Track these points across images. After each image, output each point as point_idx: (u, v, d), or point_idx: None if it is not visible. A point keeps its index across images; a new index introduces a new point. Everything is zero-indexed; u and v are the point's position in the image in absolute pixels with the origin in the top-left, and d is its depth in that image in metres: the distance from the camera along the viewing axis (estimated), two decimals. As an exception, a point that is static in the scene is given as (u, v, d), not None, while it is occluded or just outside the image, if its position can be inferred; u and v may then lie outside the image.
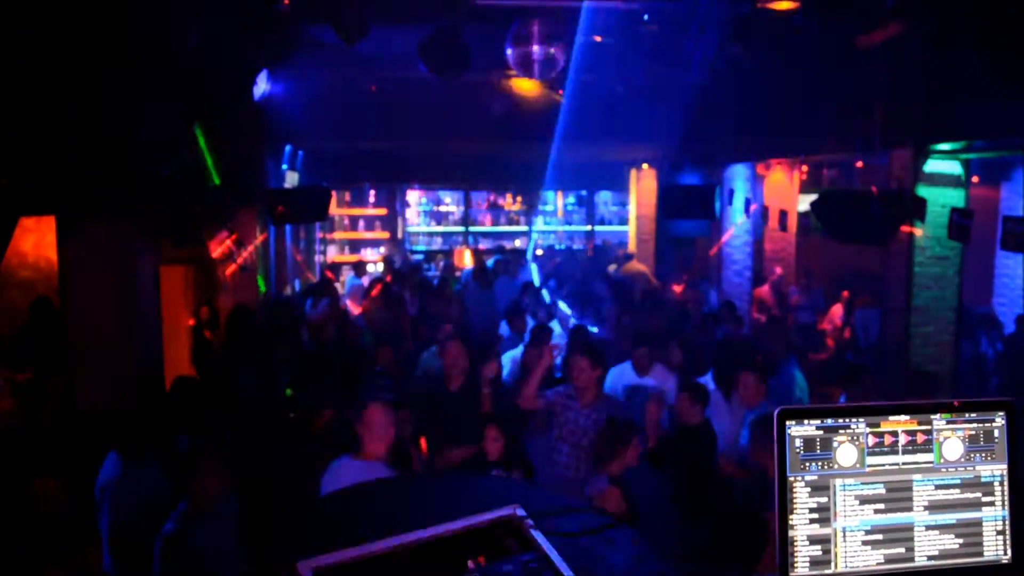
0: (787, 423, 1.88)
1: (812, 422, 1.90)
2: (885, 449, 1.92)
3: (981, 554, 1.95)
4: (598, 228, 16.95)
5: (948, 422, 1.95)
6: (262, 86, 8.55)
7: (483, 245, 16.19)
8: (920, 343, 8.56)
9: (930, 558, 1.93)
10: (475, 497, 1.58)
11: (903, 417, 1.94)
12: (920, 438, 1.94)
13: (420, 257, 15.77)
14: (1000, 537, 1.96)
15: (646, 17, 7.06)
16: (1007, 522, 1.96)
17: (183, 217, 6.80)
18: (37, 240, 7.59)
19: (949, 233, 8.03)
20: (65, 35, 5.56)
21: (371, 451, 4.26)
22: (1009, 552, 1.96)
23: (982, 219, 8.70)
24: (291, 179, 12.14)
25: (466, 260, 14.58)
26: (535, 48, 7.14)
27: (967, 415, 1.96)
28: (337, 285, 12.47)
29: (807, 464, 1.89)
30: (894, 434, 1.93)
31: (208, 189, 7.50)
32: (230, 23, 6.57)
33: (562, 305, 10.41)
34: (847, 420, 1.91)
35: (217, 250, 9.10)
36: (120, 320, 6.35)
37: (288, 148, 11.80)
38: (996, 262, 10.71)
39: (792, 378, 6.82)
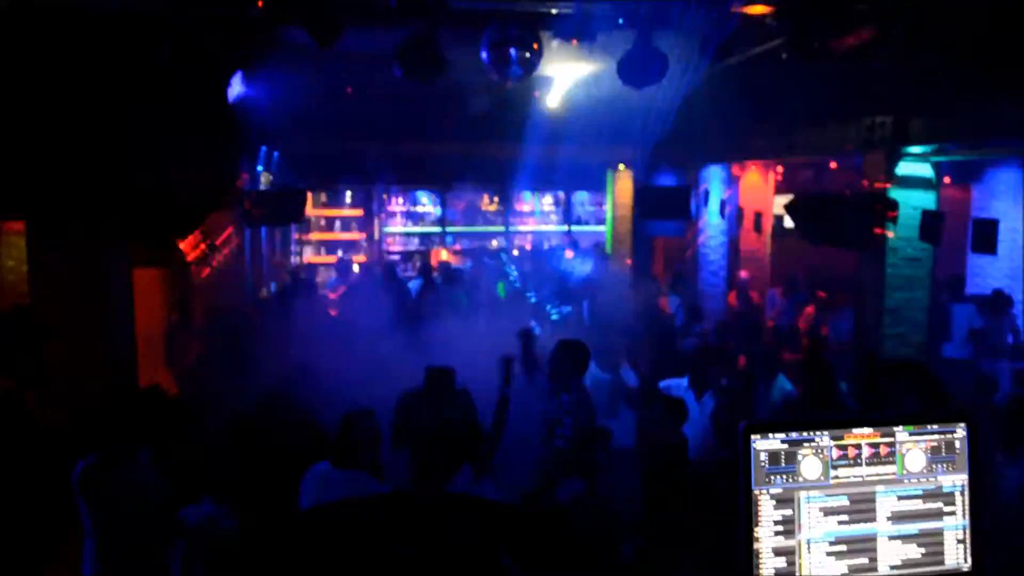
0: (752, 437, 1.91)
1: (777, 436, 1.92)
2: (849, 461, 1.96)
3: (942, 563, 1.99)
4: (575, 228, 16.97)
5: (911, 434, 1.99)
6: (236, 88, 8.50)
7: (459, 245, 16.19)
8: (895, 344, 8.66)
9: (893, 567, 1.97)
10: (447, 516, 1.59)
11: (867, 430, 1.97)
12: (883, 450, 1.97)
13: (396, 258, 15.75)
14: (961, 546, 2.00)
15: (620, 21, 7.07)
16: (967, 531, 2.00)
17: (156, 220, 6.74)
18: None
19: (920, 235, 8.14)
20: (37, 42, 5.51)
21: (352, 460, 4.26)
22: (969, 560, 2.00)
23: (953, 220, 8.82)
24: (266, 180, 12.07)
25: (443, 259, 14.71)
26: (511, 52, 7.14)
27: (929, 427, 1.99)
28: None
29: (772, 477, 1.92)
30: (858, 447, 1.96)
31: (181, 191, 7.44)
32: (203, 25, 6.53)
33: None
34: (811, 434, 1.94)
35: (191, 253, 9.03)
36: (92, 325, 6.29)
37: (263, 149, 11.73)
38: (968, 261, 10.83)
39: (781, 389, 6.76)
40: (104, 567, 4.43)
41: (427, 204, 16.37)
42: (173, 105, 6.67)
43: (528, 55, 7.00)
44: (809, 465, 1.94)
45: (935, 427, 2.00)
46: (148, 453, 4.69)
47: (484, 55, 7.18)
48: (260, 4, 6.78)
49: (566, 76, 10.39)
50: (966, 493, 2.00)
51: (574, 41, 7.72)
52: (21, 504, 4.40)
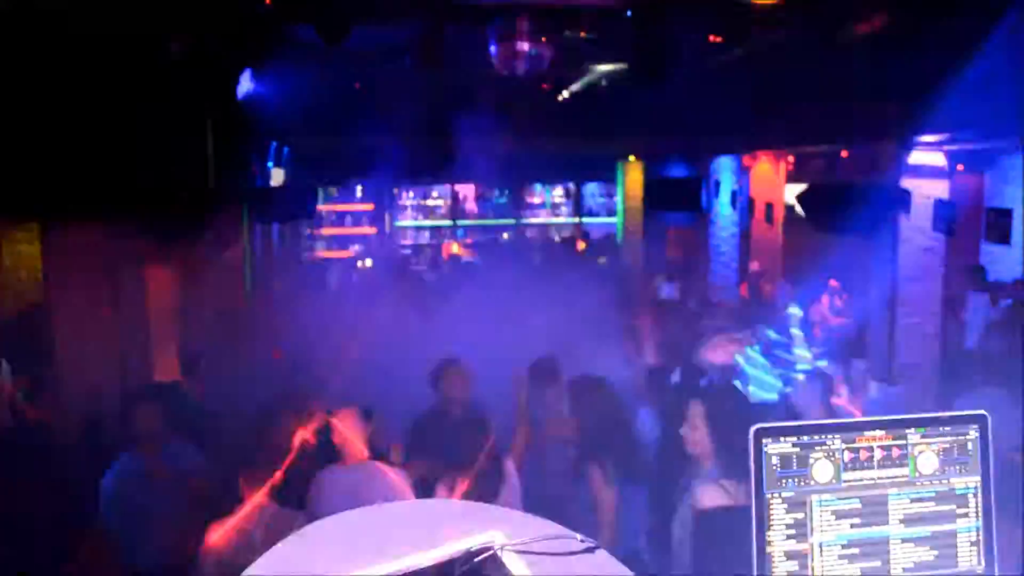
0: (763, 441, 1.91)
1: (788, 439, 1.92)
2: (861, 464, 1.95)
3: (956, 565, 1.98)
4: (586, 220, 16.95)
5: (923, 436, 1.98)
6: (246, 84, 8.51)
7: (470, 239, 16.20)
8: (907, 334, 8.63)
9: (906, 570, 1.96)
10: (452, 524, 1.59)
11: (878, 432, 1.97)
12: (895, 452, 1.96)
13: (408, 251, 15.78)
14: (974, 548, 1.99)
15: (628, 13, 7.04)
16: (980, 533, 1.99)
17: (169, 219, 6.77)
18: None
19: (933, 225, 8.09)
20: (48, 40, 5.53)
21: (353, 454, 4.30)
22: (983, 562, 1.99)
23: (967, 208, 8.75)
24: (277, 176, 12.08)
25: (454, 252, 14.76)
26: (521, 45, 7.12)
27: (941, 429, 1.99)
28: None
29: (784, 481, 1.91)
30: (869, 449, 1.95)
31: (193, 190, 7.47)
32: (212, 23, 6.54)
33: None
34: (823, 437, 1.93)
35: (204, 250, 9.06)
36: (106, 324, 6.34)
37: (273, 145, 11.74)
38: (982, 249, 10.76)
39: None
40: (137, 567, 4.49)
41: (437, 197, 16.38)
42: (179, 104, 6.69)
43: (538, 49, 6.99)
44: (821, 468, 1.93)
45: (947, 429, 1.99)
46: (169, 451, 4.72)
47: (493, 49, 7.18)
48: (268, 2, 6.80)
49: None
50: (979, 495, 2.00)
51: (582, 32, 7.72)
52: (34, 508, 4.44)
